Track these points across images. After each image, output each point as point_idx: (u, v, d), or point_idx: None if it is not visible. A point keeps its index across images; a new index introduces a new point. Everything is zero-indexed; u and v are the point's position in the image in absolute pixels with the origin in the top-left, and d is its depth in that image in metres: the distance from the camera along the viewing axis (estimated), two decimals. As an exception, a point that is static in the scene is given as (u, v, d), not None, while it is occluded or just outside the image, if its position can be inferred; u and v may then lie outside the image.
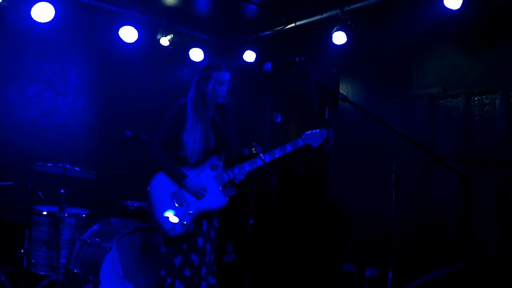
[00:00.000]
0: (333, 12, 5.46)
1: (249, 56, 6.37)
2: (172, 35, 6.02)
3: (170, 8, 5.83)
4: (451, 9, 4.63)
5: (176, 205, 3.44)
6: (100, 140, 5.76)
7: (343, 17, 5.36)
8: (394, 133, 2.71)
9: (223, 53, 6.85)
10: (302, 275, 5.93)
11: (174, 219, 3.39)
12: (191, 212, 3.43)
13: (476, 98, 4.77)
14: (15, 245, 4.49)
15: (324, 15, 5.61)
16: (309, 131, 3.67)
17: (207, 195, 3.49)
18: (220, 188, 3.55)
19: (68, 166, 4.20)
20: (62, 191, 4.25)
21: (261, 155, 3.55)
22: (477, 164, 4.67)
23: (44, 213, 4.37)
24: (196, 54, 6.28)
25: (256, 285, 5.31)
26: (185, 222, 3.39)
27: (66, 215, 4.31)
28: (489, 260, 4.41)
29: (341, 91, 5.81)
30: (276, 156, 3.58)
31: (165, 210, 3.41)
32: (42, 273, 4.32)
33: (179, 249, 3.45)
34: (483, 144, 4.68)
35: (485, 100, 4.71)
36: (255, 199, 5.12)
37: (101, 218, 4.56)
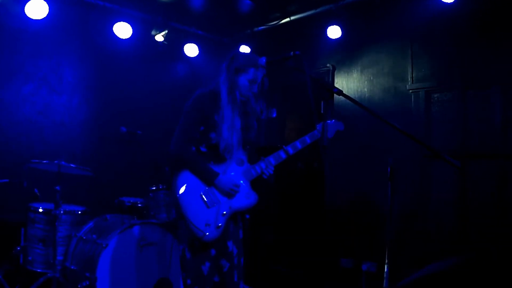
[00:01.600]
0: (327, 7, 5.46)
1: (244, 51, 6.35)
2: (166, 31, 5.99)
3: (164, 4, 5.80)
4: (446, 2, 4.64)
5: (208, 206, 3.16)
6: (96, 137, 5.75)
7: (338, 12, 5.36)
8: (390, 128, 2.71)
9: (218, 48, 6.85)
10: (300, 269, 5.94)
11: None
12: (224, 212, 3.18)
13: (471, 92, 4.76)
14: (11, 243, 4.47)
15: (318, 10, 5.60)
16: (324, 122, 3.53)
17: (238, 193, 3.25)
18: (249, 185, 3.31)
19: (63, 163, 4.18)
20: (57, 188, 4.24)
21: (284, 147, 3.36)
22: (474, 158, 4.66)
23: (40, 210, 4.37)
24: (191, 50, 6.29)
25: (254, 280, 5.32)
26: (220, 224, 3.14)
27: (62, 212, 4.30)
28: (488, 253, 4.42)
29: (336, 85, 5.79)
30: (298, 148, 3.38)
31: (198, 212, 3.12)
32: (38, 270, 4.31)
33: (207, 256, 3.21)
34: (479, 137, 4.67)
35: (480, 93, 4.71)
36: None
37: (97, 214, 4.57)
